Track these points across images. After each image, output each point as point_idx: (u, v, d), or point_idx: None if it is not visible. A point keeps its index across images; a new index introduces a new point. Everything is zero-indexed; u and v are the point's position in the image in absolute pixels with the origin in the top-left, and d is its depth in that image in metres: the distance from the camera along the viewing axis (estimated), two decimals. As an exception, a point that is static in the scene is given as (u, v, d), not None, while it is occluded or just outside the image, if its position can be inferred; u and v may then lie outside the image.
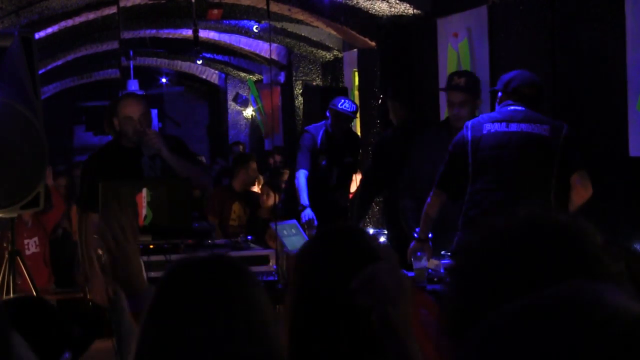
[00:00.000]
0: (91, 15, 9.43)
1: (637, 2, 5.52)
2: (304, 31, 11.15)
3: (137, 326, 2.05)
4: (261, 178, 9.15)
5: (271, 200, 8.20)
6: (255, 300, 1.63)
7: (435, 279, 4.77)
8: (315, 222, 6.82)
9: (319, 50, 11.92)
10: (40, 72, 8.08)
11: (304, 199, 6.96)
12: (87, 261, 5.16)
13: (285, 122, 13.49)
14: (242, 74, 15.97)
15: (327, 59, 12.12)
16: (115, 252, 2.08)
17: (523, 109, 4.74)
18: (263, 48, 12.65)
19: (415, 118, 6.70)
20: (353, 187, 7.97)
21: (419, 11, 8.28)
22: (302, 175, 7.05)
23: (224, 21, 11.26)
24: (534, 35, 6.58)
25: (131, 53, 13.10)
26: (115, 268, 2.09)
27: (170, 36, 12.97)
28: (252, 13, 10.60)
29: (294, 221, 6.53)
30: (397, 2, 8.17)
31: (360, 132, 9.50)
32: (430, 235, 4.99)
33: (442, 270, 4.88)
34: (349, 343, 1.82)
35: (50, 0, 8.05)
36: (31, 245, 7.51)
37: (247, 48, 13.13)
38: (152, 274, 4.15)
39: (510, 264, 1.03)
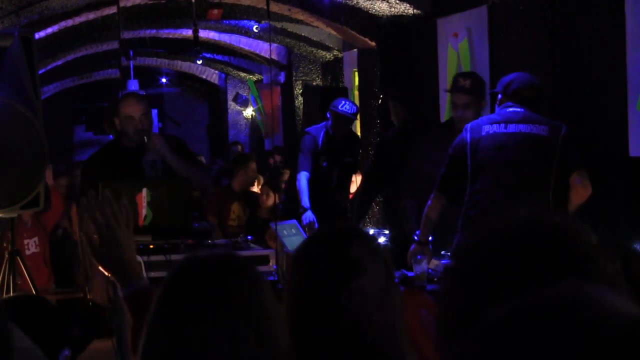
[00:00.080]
0: (91, 15, 9.43)
1: (637, 2, 5.53)
2: (304, 31, 11.15)
3: (130, 314, 2.06)
4: (261, 178, 9.15)
5: (271, 200, 8.20)
6: (262, 299, 1.63)
7: (436, 279, 4.77)
8: (316, 225, 6.82)
9: (319, 50, 11.92)
10: (40, 72, 8.08)
11: (305, 201, 6.96)
12: (87, 260, 5.16)
13: (285, 122, 13.49)
14: (242, 74, 15.97)
15: (327, 59, 12.12)
16: (105, 235, 2.09)
17: (522, 110, 4.75)
18: (263, 48, 12.65)
19: (416, 118, 6.70)
20: (353, 188, 7.97)
21: (419, 11, 8.28)
22: (303, 178, 7.06)
23: (224, 21, 11.26)
24: (534, 35, 6.58)
25: (131, 53, 13.10)
26: (104, 251, 2.09)
27: (170, 36, 12.97)
28: (252, 13, 10.60)
29: (294, 221, 6.54)
30: (397, 2, 8.17)
31: (360, 132, 9.50)
32: (430, 238, 4.99)
33: (442, 270, 4.88)
34: (349, 343, 1.82)
35: (50, 0, 8.05)
36: (31, 245, 7.51)
37: (247, 48, 13.13)
38: (152, 274, 4.15)
39: (505, 265, 1.04)
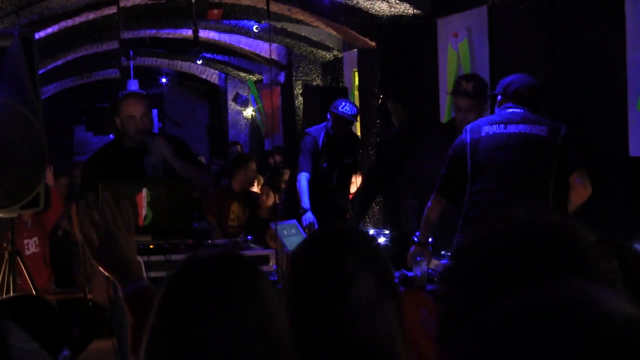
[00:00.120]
0: (91, 15, 9.43)
1: (637, 2, 5.53)
2: (304, 31, 11.14)
3: (130, 314, 2.05)
4: (261, 178, 9.15)
5: (271, 200, 8.20)
6: (265, 298, 1.63)
7: (436, 279, 4.77)
8: (316, 226, 6.82)
9: (319, 50, 11.92)
10: (40, 72, 8.08)
11: (305, 202, 6.97)
12: (88, 260, 5.16)
13: (285, 122, 13.49)
14: (242, 74, 15.97)
15: (327, 59, 12.12)
16: (105, 236, 2.09)
17: (522, 111, 4.75)
18: (263, 48, 12.65)
19: (417, 119, 6.71)
20: (353, 189, 7.97)
21: (419, 11, 8.28)
22: (303, 178, 7.06)
23: (224, 21, 11.25)
24: (534, 35, 6.58)
25: (131, 53, 13.10)
26: (104, 252, 2.09)
27: (170, 36, 12.97)
28: (252, 13, 10.60)
29: (294, 221, 6.54)
30: (397, 2, 8.17)
31: (360, 132, 9.50)
32: (430, 240, 4.99)
33: (441, 270, 4.88)
34: (349, 343, 1.82)
35: (50, 0, 8.05)
36: (31, 245, 7.51)
37: (247, 48, 13.13)
38: (152, 274, 4.15)
39: (504, 265, 1.04)
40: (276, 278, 5.06)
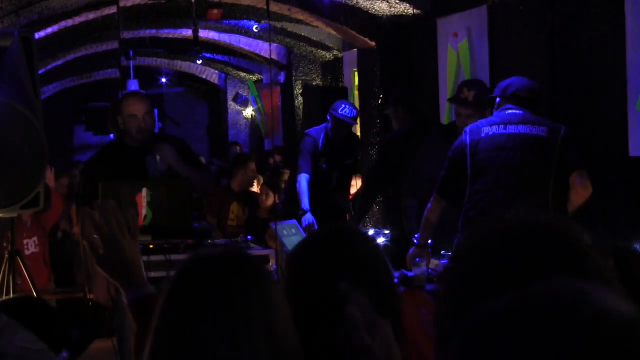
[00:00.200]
0: (91, 15, 9.43)
1: (637, 2, 5.53)
2: (304, 31, 11.14)
3: (134, 321, 2.04)
4: (261, 178, 9.15)
5: (270, 200, 8.20)
6: (270, 297, 1.62)
7: (436, 279, 4.77)
8: (316, 227, 6.83)
9: (319, 50, 11.92)
10: (40, 72, 8.08)
11: (305, 203, 6.97)
12: (89, 259, 5.16)
13: (285, 122, 13.49)
14: (242, 74, 15.97)
15: (327, 59, 12.12)
16: (109, 243, 2.08)
17: (521, 112, 4.75)
18: (263, 48, 12.65)
19: (417, 119, 6.71)
20: (353, 190, 7.97)
21: (419, 11, 8.28)
22: (303, 180, 7.07)
23: (224, 21, 11.25)
24: (534, 35, 6.58)
25: (131, 53, 13.09)
26: (108, 258, 2.08)
27: (170, 36, 12.97)
28: (252, 13, 10.60)
29: (294, 221, 6.54)
30: (397, 2, 8.17)
31: (360, 132, 9.50)
32: (430, 241, 4.99)
33: (442, 270, 4.88)
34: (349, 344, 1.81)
35: (50, 0, 8.05)
36: (31, 245, 7.51)
37: (247, 48, 13.13)
38: (152, 274, 4.15)
39: (503, 265, 1.04)
40: (276, 278, 5.06)
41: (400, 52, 8.75)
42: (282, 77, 13.38)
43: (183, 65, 17.06)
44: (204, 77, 17.30)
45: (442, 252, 5.18)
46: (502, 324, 0.81)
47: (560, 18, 6.30)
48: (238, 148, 14.23)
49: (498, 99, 4.88)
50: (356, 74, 10.43)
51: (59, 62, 13.52)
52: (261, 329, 1.57)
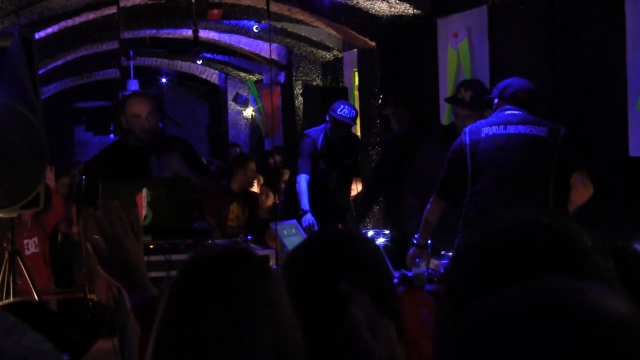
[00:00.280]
0: (91, 15, 9.43)
1: (637, 2, 5.53)
2: (304, 31, 11.15)
3: (137, 324, 2.03)
4: (261, 178, 9.15)
5: (270, 200, 8.20)
6: (275, 294, 1.62)
7: (436, 279, 4.78)
8: (316, 227, 6.83)
9: (319, 50, 11.92)
10: (40, 72, 8.08)
11: (305, 203, 6.98)
12: (91, 259, 5.16)
13: (285, 122, 13.49)
14: (242, 74, 15.97)
15: (327, 59, 12.12)
16: (113, 245, 2.07)
17: (520, 112, 4.76)
18: (263, 48, 12.66)
19: (418, 119, 6.71)
20: (353, 193, 7.97)
21: (419, 11, 8.28)
22: (303, 180, 7.07)
23: (224, 21, 11.26)
24: (534, 35, 6.58)
25: (131, 53, 13.10)
26: (111, 261, 2.07)
27: (170, 36, 12.97)
28: (252, 13, 10.60)
29: (294, 221, 6.54)
30: (397, 2, 8.17)
31: (360, 132, 9.50)
32: (429, 242, 4.99)
33: (442, 270, 4.89)
34: (350, 351, 1.80)
35: (50, 0, 8.05)
36: (31, 246, 7.51)
37: (247, 48, 13.13)
38: (152, 274, 4.15)
39: (502, 265, 1.04)
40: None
41: (400, 52, 8.75)
42: (282, 77, 13.38)
43: (183, 65, 17.06)
44: (204, 77, 17.30)
45: (442, 252, 5.18)
46: (498, 324, 0.81)
47: (560, 18, 6.30)
48: (238, 149, 14.23)
49: (496, 100, 4.89)
50: (356, 74, 10.43)
51: (59, 62, 13.52)
52: (265, 327, 1.57)
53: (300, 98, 12.15)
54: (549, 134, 4.69)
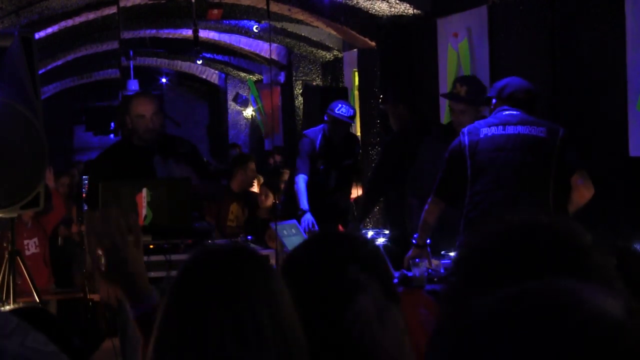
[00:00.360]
0: (91, 15, 9.43)
1: (637, 2, 5.52)
2: (304, 31, 11.15)
3: (141, 334, 2.02)
4: (261, 178, 9.15)
5: (270, 200, 8.20)
6: (276, 290, 1.62)
7: (435, 279, 4.77)
8: (316, 227, 6.83)
9: (319, 50, 11.92)
10: (40, 72, 8.08)
11: (304, 203, 6.98)
12: (93, 260, 5.15)
13: (285, 122, 13.49)
14: (242, 74, 15.97)
15: (327, 59, 12.12)
16: (113, 256, 2.06)
17: (518, 113, 4.76)
18: (263, 48, 12.66)
19: (417, 119, 6.71)
20: (353, 195, 7.97)
21: (419, 11, 8.28)
22: (301, 180, 7.08)
23: (224, 21, 11.26)
24: (534, 35, 6.58)
25: (131, 53, 13.09)
26: (113, 272, 2.07)
27: (170, 36, 12.97)
28: (252, 13, 10.60)
29: (294, 221, 6.54)
30: (397, 2, 8.17)
31: (360, 132, 9.50)
32: (428, 241, 4.99)
33: (442, 270, 4.88)
34: (355, 350, 1.80)
35: (50, 0, 8.05)
36: (31, 246, 7.50)
37: (247, 48, 13.13)
38: (152, 274, 4.15)
39: (504, 266, 1.04)
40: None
41: (400, 52, 8.75)
42: (282, 77, 13.38)
43: (183, 65, 17.06)
44: (204, 77, 17.31)
45: (442, 252, 5.17)
46: (491, 324, 0.81)
47: (560, 18, 6.30)
48: (238, 149, 14.23)
49: (494, 100, 4.88)
50: (356, 74, 10.43)
51: (59, 62, 13.52)
52: (266, 326, 1.57)
53: (300, 98, 12.15)
54: (548, 135, 4.69)
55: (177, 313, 1.60)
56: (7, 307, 5.10)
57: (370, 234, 6.88)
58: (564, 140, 4.68)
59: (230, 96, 16.47)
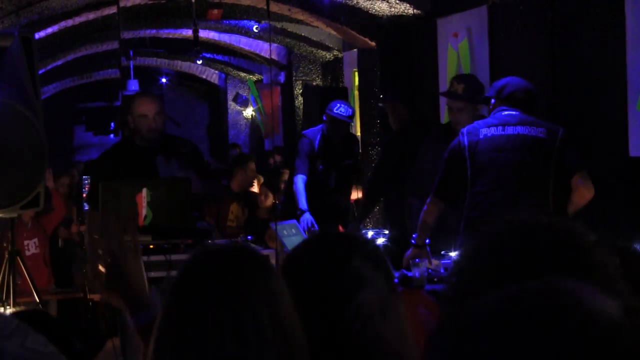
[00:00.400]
0: (91, 15, 9.43)
1: (637, 2, 5.52)
2: (304, 31, 11.15)
3: (143, 343, 2.02)
4: (261, 178, 9.15)
5: (270, 200, 8.20)
6: (277, 291, 1.62)
7: (435, 279, 4.77)
8: (316, 227, 6.83)
9: (319, 50, 11.92)
10: (40, 72, 8.08)
11: (303, 203, 6.98)
12: (94, 259, 5.15)
13: (285, 122, 13.49)
14: (242, 74, 15.97)
15: (327, 59, 12.12)
16: (113, 268, 2.07)
17: (517, 113, 4.76)
18: (263, 48, 12.66)
19: (417, 119, 6.71)
20: (353, 196, 7.96)
21: (419, 11, 8.28)
22: (299, 180, 7.08)
23: (224, 21, 11.26)
24: (534, 35, 6.58)
25: (131, 53, 13.10)
26: (113, 283, 2.07)
27: (170, 36, 12.97)
28: (252, 13, 10.60)
29: (294, 221, 6.54)
30: (397, 2, 8.17)
31: (360, 132, 9.50)
32: (427, 241, 4.99)
33: (442, 270, 4.89)
34: (358, 347, 1.80)
35: (50, 0, 8.05)
36: (31, 246, 7.51)
37: (247, 48, 13.13)
38: (152, 274, 4.15)
39: (506, 266, 1.04)
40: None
41: (400, 52, 8.75)
42: (282, 77, 13.38)
43: (183, 65, 17.06)
44: (204, 77, 17.31)
45: (442, 252, 5.17)
46: (487, 324, 0.81)
47: (560, 18, 6.30)
48: (238, 149, 14.23)
49: (493, 100, 4.88)
50: (356, 74, 10.43)
51: (59, 62, 13.52)
52: (266, 326, 1.57)
53: (300, 98, 12.15)
54: (547, 135, 4.69)
55: (177, 313, 1.60)
56: (8, 308, 5.11)
57: (370, 234, 6.88)
58: (564, 140, 4.68)
59: (230, 96, 16.47)
